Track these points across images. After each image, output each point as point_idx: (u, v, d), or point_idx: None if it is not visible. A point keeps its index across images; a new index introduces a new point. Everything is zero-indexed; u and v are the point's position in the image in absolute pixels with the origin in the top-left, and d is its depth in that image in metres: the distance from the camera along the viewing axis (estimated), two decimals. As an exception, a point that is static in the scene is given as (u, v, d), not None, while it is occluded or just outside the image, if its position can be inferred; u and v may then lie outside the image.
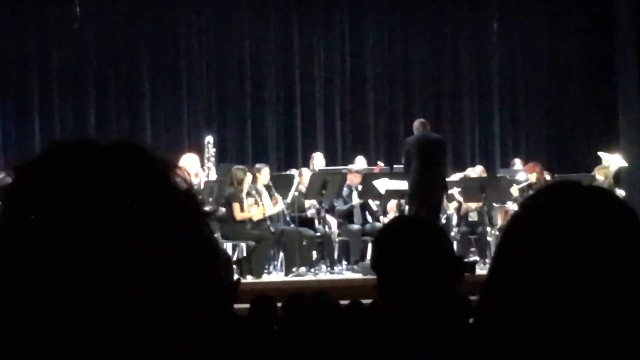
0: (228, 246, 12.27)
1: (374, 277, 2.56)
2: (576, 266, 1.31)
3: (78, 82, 16.30)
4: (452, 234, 13.52)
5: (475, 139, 18.19)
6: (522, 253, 1.35)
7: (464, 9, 17.96)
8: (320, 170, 13.91)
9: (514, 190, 13.52)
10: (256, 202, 12.36)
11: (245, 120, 17.12)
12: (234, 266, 10.08)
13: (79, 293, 1.03)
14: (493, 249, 12.26)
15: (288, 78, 17.38)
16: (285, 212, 12.97)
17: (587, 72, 18.03)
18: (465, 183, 13.97)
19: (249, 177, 12.40)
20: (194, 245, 1.08)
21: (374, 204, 13.65)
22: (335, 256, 13.06)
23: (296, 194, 12.96)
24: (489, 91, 18.26)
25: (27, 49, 16.07)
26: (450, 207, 14.08)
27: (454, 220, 14.12)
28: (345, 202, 13.31)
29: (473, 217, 13.85)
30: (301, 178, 13.24)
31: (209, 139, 13.63)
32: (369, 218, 13.46)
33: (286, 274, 12.37)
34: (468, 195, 13.67)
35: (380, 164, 14.99)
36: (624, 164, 14.76)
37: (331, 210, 13.35)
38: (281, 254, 12.83)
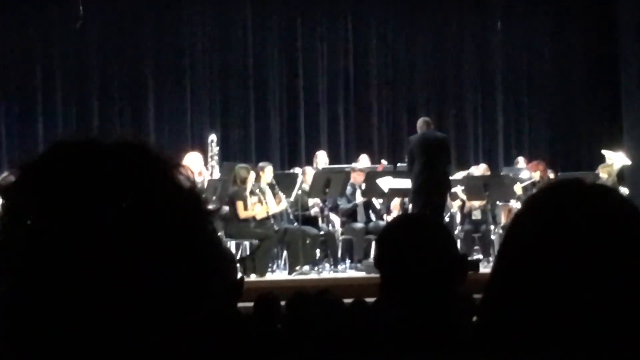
0: (232, 245, 12.27)
1: (377, 275, 2.56)
2: (579, 264, 1.30)
3: (81, 81, 16.31)
4: (456, 232, 13.51)
5: (478, 138, 18.19)
6: (526, 251, 1.34)
7: (467, 9, 17.95)
8: (323, 168, 13.91)
9: (518, 189, 13.51)
10: (260, 201, 12.36)
11: (248, 118, 17.12)
12: (238, 265, 10.09)
13: (80, 292, 1.03)
14: (497, 247, 12.25)
15: (291, 77, 17.37)
16: (289, 210, 12.97)
17: (591, 71, 18.02)
18: (468, 181, 13.97)
19: (252, 175, 12.41)
20: (196, 245, 1.08)
21: (377, 203, 13.64)
22: (339, 254, 13.06)
23: (300, 192, 12.96)
24: (492, 90, 18.25)
25: (30, 48, 16.07)
26: (454, 206, 14.08)
27: (458, 219, 14.12)
28: (349, 201, 13.31)
29: (477, 215, 13.85)
30: (305, 176, 13.24)
31: (213, 137, 13.63)
32: (373, 216, 13.45)
33: (290, 273, 12.37)
34: (472, 194, 13.66)
35: (384, 162, 14.99)
36: (628, 162, 14.75)
37: (335, 208, 13.36)
38: (285, 253, 12.83)
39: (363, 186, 13.26)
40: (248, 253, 12.44)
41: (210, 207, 1.12)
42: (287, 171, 14.75)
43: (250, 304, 6.19)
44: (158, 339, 1.05)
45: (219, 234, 10.99)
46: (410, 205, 12.58)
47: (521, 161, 15.67)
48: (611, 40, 16.82)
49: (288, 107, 17.35)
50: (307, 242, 12.55)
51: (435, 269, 2.46)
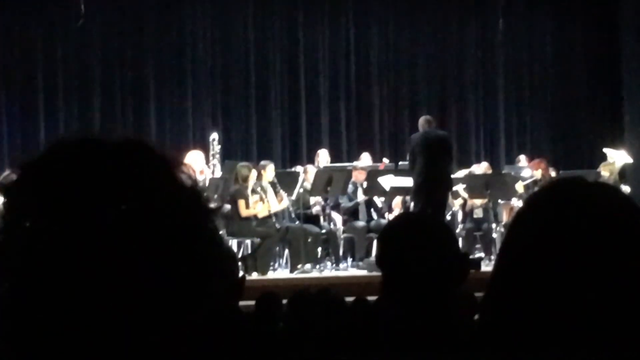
0: (233, 243, 12.28)
1: (379, 274, 2.56)
2: (581, 263, 1.30)
3: (83, 80, 16.30)
4: (457, 230, 13.51)
5: (480, 136, 18.18)
6: (527, 250, 1.34)
7: (468, 8, 17.95)
8: (325, 167, 13.91)
9: (519, 187, 13.51)
10: (261, 199, 12.37)
11: (250, 117, 17.12)
12: (239, 263, 10.09)
13: (80, 292, 1.02)
14: (498, 245, 12.26)
15: (293, 75, 17.37)
16: (291, 209, 12.97)
17: (592, 69, 18.02)
18: (470, 180, 13.97)
19: (254, 174, 12.41)
20: (197, 244, 1.07)
21: (379, 201, 13.64)
22: (341, 253, 13.06)
23: (301, 190, 12.95)
24: (494, 88, 18.25)
25: (32, 47, 16.06)
26: (456, 204, 14.07)
27: (459, 217, 14.11)
28: (351, 199, 13.31)
29: (478, 213, 13.84)
30: (306, 175, 13.24)
31: (214, 136, 13.62)
32: (374, 215, 13.45)
33: (291, 271, 12.37)
34: (473, 192, 13.66)
35: (386, 160, 14.98)
36: (629, 160, 14.75)
37: (336, 207, 13.36)
38: (286, 251, 12.83)
39: (364, 185, 13.26)
40: (250, 251, 12.44)
41: (211, 205, 1.12)
42: (288, 169, 14.75)
43: (252, 303, 6.19)
44: (158, 339, 1.05)
45: (221, 232, 10.99)
46: (412, 204, 12.58)
47: (523, 159, 15.65)
48: (612, 39, 16.81)
49: (289, 106, 17.34)
50: (309, 240, 12.55)
51: (437, 268, 2.46)
